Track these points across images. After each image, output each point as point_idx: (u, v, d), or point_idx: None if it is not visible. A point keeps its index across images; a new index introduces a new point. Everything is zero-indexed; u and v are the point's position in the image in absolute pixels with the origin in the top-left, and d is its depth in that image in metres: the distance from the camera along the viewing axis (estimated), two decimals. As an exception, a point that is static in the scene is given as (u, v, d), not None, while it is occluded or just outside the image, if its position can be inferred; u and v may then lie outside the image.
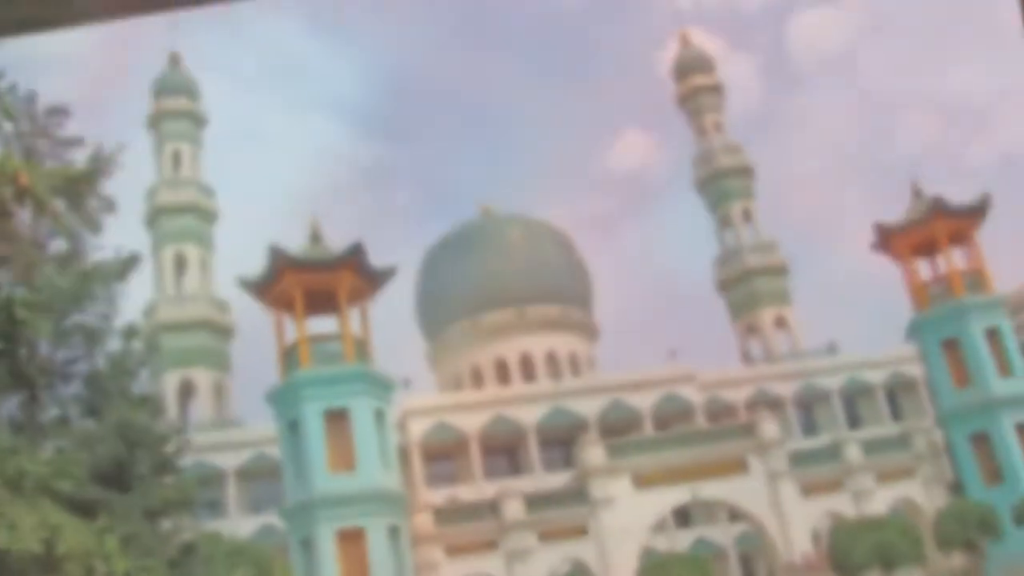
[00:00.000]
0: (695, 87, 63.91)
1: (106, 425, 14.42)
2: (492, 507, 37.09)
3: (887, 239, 40.33)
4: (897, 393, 52.73)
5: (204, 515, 32.67)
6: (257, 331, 42.11)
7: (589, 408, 47.34)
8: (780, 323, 58.80)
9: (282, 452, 33.66)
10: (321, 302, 33.84)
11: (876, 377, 51.71)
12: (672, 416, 48.32)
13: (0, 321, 11.87)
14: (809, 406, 52.15)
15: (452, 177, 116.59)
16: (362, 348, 34.12)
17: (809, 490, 38.51)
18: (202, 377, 50.71)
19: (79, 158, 12.54)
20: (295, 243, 34.32)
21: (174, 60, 58.24)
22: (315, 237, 34.84)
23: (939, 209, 39.40)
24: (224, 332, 52.88)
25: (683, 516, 44.76)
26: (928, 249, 40.91)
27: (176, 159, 55.33)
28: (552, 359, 55.13)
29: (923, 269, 41.41)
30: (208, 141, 57.70)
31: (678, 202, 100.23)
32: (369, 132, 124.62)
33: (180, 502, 15.23)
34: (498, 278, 54.56)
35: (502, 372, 54.70)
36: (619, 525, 36.54)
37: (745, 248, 60.21)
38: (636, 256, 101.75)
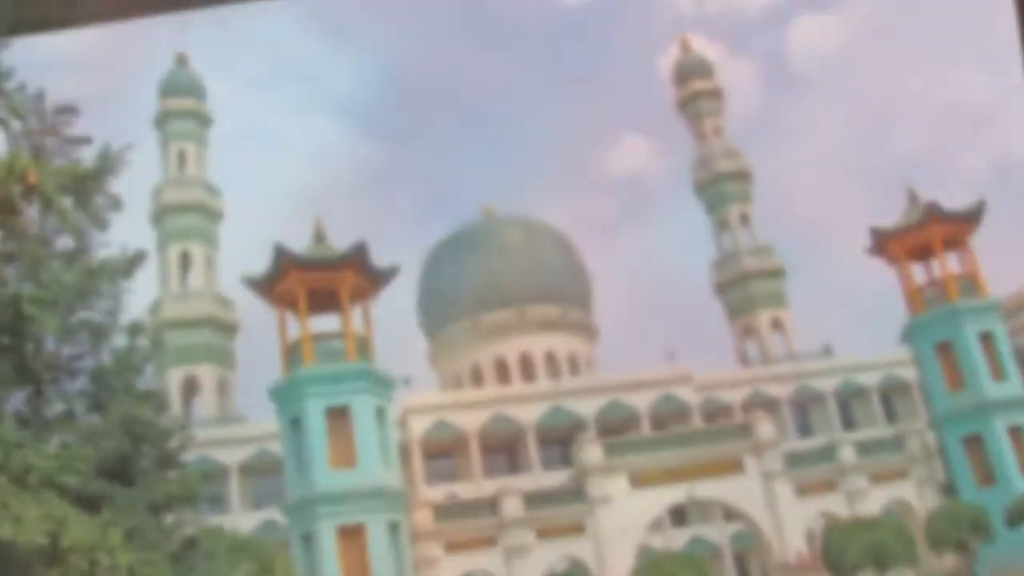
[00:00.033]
0: (695, 92, 64.15)
1: (111, 420, 14.40)
2: (491, 504, 37.20)
3: (883, 243, 40.54)
4: (891, 395, 52.95)
5: (207, 510, 32.97)
6: (260, 329, 42.48)
7: (587, 408, 47.44)
8: (776, 325, 59.04)
9: (284, 448, 33.81)
10: (324, 300, 34.03)
11: (870, 379, 51.91)
12: (669, 416, 48.53)
13: (7, 317, 11.89)
14: (804, 407, 52.35)
15: (454, 178, 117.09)
16: (364, 346, 34.27)
17: (804, 490, 38.74)
18: (206, 373, 50.83)
19: (87, 157, 12.66)
20: (298, 242, 34.46)
21: (181, 60, 58.35)
22: (318, 236, 34.96)
23: (934, 214, 39.65)
24: (228, 329, 53.02)
25: (679, 515, 45.01)
26: (923, 253, 41.14)
27: (182, 158, 55.45)
28: (551, 359, 55.33)
29: (918, 273, 41.66)
30: (213, 140, 57.83)
31: (677, 205, 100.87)
32: (372, 133, 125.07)
33: (183, 497, 15.21)
34: (498, 279, 54.76)
35: (502, 371, 54.89)
36: (616, 523, 36.67)
37: (742, 251, 60.48)
38: (635, 258, 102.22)
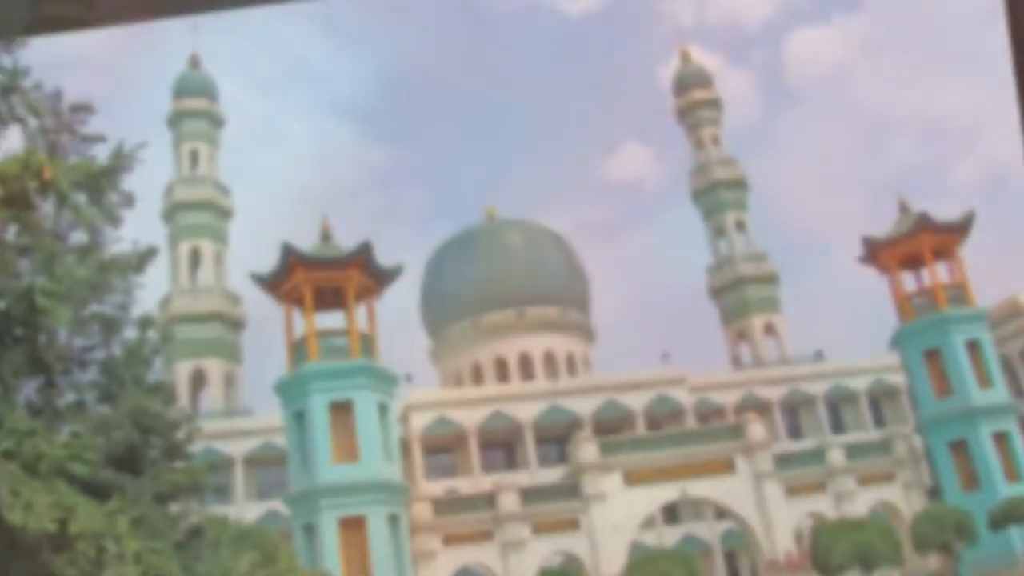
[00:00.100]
0: (694, 101, 64.60)
1: (120, 411, 14.34)
2: (488, 499, 37.32)
3: (874, 252, 41.14)
4: (880, 400, 53.46)
5: (212, 500, 33.18)
6: (267, 324, 43.29)
7: (584, 407, 47.83)
8: (769, 330, 59.39)
9: (288, 441, 34.27)
10: (329, 298, 34.66)
11: (860, 384, 52.42)
12: (663, 416, 49.02)
13: (21, 309, 11.90)
14: (795, 410, 52.79)
15: (458, 180, 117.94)
16: (368, 344, 34.75)
17: (793, 491, 38.90)
18: (213, 367, 51.14)
19: (101, 154, 12.75)
20: (305, 241, 35.07)
21: (194, 62, 58.63)
22: (325, 236, 35.59)
23: (925, 224, 40.26)
24: (236, 324, 53.38)
25: (671, 513, 45.40)
26: (913, 262, 41.72)
27: (194, 157, 55.83)
28: (550, 359, 55.75)
29: (908, 282, 42.21)
30: (224, 140, 58.26)
31: (675, 211, 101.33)
32: (378, 135, 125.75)
33: (189, 487, 15.15)
34: (499, 280, 55.22)
35: (501, 370, 55.32)
36: (610, 520, 36.82)
37: (738, 257, 60.85)
38: (633, 262, 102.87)
